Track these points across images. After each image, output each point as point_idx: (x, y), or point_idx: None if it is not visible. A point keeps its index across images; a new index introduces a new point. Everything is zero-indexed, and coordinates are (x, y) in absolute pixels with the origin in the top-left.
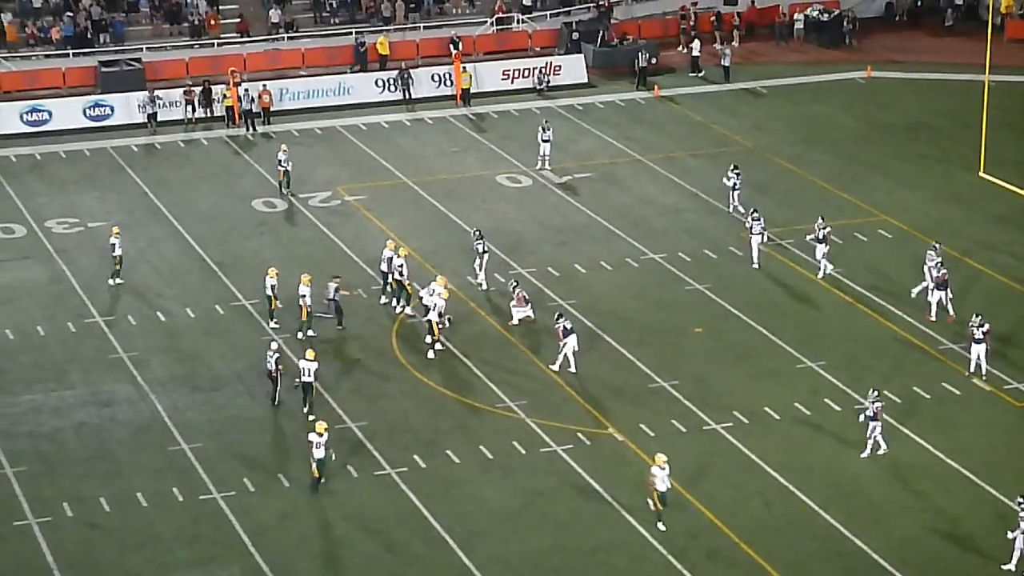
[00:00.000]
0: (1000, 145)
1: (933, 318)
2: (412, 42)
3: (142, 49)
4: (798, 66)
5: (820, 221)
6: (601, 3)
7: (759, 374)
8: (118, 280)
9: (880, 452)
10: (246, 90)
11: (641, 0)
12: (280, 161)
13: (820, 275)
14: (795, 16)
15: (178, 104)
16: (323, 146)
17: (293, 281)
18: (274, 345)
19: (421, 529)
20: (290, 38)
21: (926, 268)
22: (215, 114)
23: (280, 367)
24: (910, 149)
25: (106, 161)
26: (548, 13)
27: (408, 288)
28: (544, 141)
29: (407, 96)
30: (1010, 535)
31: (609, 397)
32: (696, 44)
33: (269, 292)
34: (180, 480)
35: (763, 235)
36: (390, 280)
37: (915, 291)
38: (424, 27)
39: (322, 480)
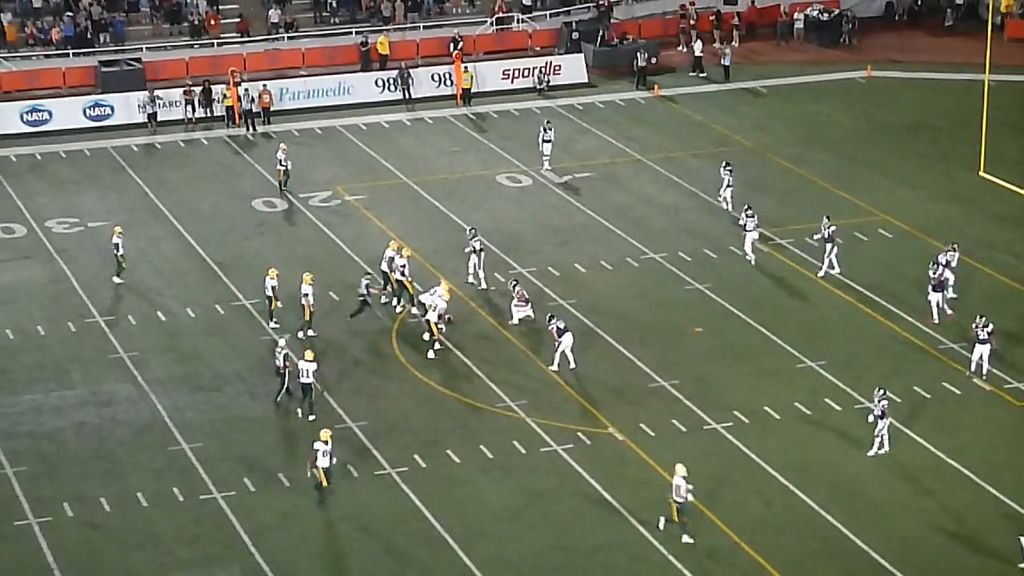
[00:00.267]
0: (1000, 144)
1: (936, 320)
2: (412, 42)
3: (142, 49)
4: (798, 66)
5: (826, 220)
6: (601, 3)
7: (759, 373)
8: (116, 279)
9: (882, 452)
10: (246, 90)
11: (641, 0)
12: (280, 160)
13: (821, 273)
14: (795, 16)
15: (178, 104)
16: (323, 146)
17: (293, 281)
18: (282, 341)
19: (421, 529)
20: (290, 38)
21: (940, 267)
22: (215, 114)
23: (288, 363)
24: (910, 149)
25: (106, 161)
26: (548, 13)
27: (410, 288)
28: (545, 141)
29: (407, 96)
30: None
31: (609, 397)
32: (698, 44)
33: (269, 292)
34: (180, 480)
35: (757, 232)
36: (391, 280)
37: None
38: (424, 27)
39: (326, 486)
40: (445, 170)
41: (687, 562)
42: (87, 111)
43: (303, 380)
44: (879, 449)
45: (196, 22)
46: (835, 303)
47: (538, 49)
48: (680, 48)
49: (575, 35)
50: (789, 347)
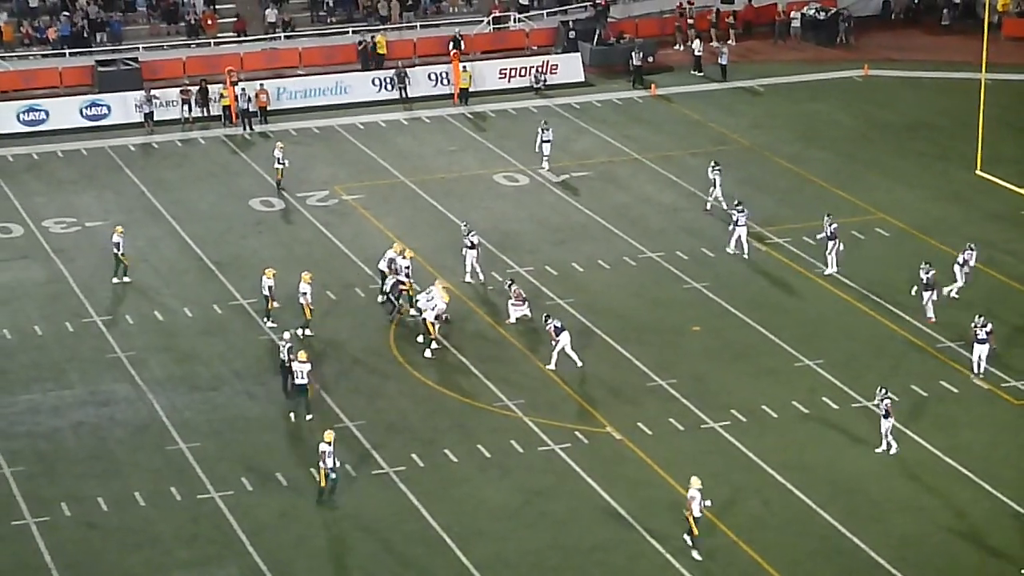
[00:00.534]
0: (998, 143)
1: (934, 319)
2: (409, 41)
3: (139, 48)
4: (795, 64)
5: (827, 218)
6: (598, 2)
7: (757, 372)
8: (125, 278)
9: (878, 450)
10: (243, 89)
11: None
12: (278, 159)
13: (830, 271)
14: (792, 15)
15: (175, 104)
16: (320, 145)
17: (290, 280)
18: (287, 335)
19: (419, 528)
20: (287, 37)
21: (956, 267)
22: (212, 113)
23: (292, 356)
24: (908, 147)
25: (103, 161)
26: (545, 12)
27: (410, 289)
28: (545, 142)
29: (403, 95)
30: None
31: (607, 396)
32: (697, 43)
33: (266, 292)
34: (178, 480)
35: (747, 227)
36: (389, 279)
37: (948, 291)
38: (421, 26)
39: (327, 489)
40: (443, 169)
41: (685, 561)
42: (84, 111)
43: (298, 381)
44: (888, 448)
45: (193, 21)
46: (833, 302)
47: (535, 48)
48: (677, 47)
49: (572, 34)
50: (787, 346)
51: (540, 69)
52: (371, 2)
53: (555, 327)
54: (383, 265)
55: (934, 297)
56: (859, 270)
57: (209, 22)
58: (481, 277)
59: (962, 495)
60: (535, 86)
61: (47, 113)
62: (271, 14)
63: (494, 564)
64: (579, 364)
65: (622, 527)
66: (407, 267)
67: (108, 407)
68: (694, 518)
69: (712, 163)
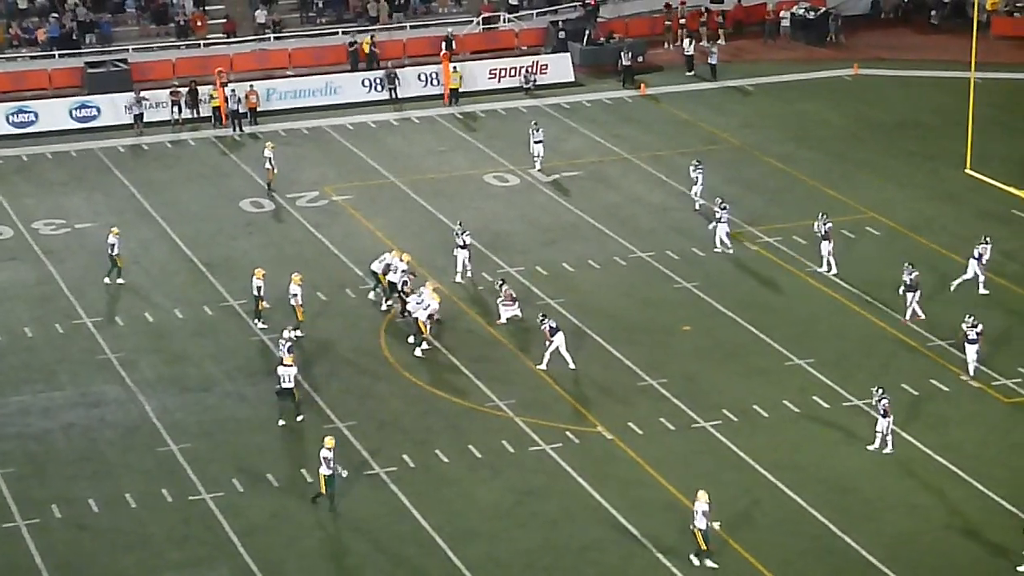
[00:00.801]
0: (988, 142)
1: (922, 316)
2: (399, 41)
3: (128, 50)
4: (785, 64)
5: (821, 216)
6: (588, 1)
7: (748, 372)
8: (119, 280)
9: (870, 448)
10: (233, 90)
11: None
12: (269, 160)
13: (831, 271)
14: (781, 14)
15: (165, 105)
16: (310, 146)
17: (280, 281)
18: (286, 334)
19: (411, 528)
20: (277, 38)
21: (972, 261)
22: (202, 115)
23: (292, 353)
24: (898, 146)
25: (93, 162)
26: (535, 12)
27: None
28: (536, 143)
29: (393, 96)
30: None
31: (598, 396)
32: (687, 43)
33: (256, 293)
34: (169, 481)
35: (728, 224)
36: (382, 281)
37: (954, 284)
38: (411, 27)
39: (324, 495)
40: (433, 170)
41: (677, 560)
42: (73, 112)
43: (284, 385)
44: (882, 447)
45: (182, 23)
46: (824, 301)
47: (525, 48)
48: (666, 46)
49: (562, 34)
50: (778, 345)
51: (530, 69)
52: (361, 3)
53: (551, 327)
54: (376, 267)
55: (918, 298)
56: (850, 269)
57: (199, 23)
58: (470, 275)
59: (954, 493)
60: (525, 86)
61: (36, 115)
62: (261, 15)
63: (486, 564)
64: (572, 367)
65: (613, 527)
66: (404, 271)
67: (99, 408)
68: (702, 532)
69: (695, 161)
